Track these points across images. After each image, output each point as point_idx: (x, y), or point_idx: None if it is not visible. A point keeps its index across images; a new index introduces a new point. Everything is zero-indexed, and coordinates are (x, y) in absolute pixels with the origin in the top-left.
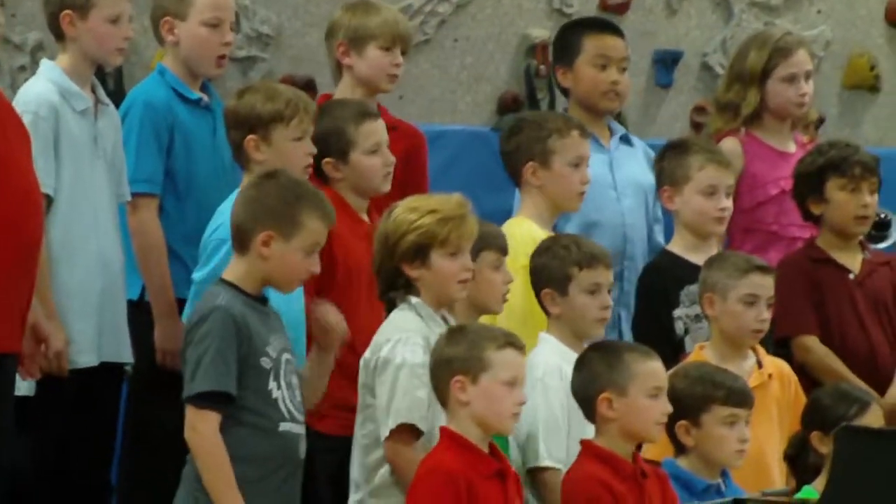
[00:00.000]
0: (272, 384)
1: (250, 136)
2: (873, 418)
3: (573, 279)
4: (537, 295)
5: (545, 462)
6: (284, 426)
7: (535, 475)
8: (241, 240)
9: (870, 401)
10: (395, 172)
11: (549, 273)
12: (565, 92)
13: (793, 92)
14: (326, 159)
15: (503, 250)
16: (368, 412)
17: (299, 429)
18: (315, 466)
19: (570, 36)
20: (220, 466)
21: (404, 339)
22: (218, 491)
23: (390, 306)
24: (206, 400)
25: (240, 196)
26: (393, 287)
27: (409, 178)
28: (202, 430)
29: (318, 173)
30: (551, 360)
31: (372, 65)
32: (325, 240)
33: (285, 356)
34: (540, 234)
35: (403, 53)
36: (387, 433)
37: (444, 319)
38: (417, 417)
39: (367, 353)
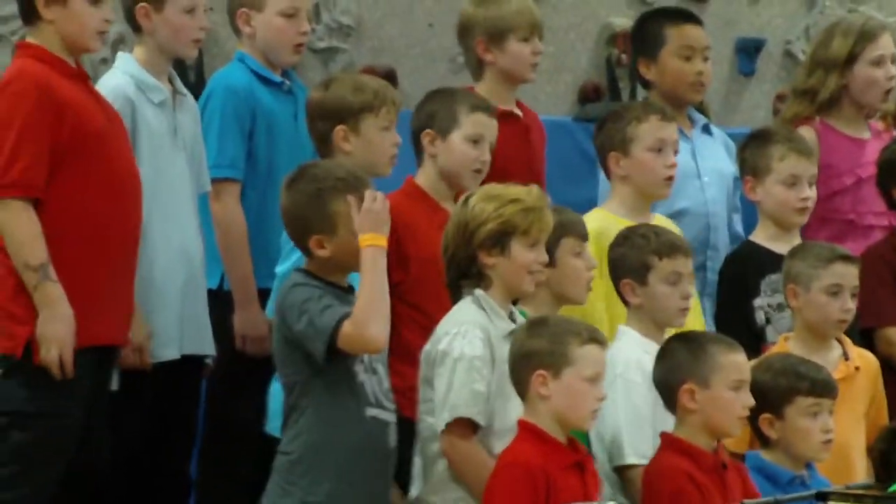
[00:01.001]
0: (358, 367)
1: (340, 127)
2: None
3: (653, 268)
4: (616, 285)
5: (631, 459)
6: (371, 411)
7: (623, 473)
8: (301, 248)
9: None
10: (512, 158)
11: (628, 263)
12: (646, 84)
13: (881, 74)
14: (427, 131)
15: (583, 236)
16: (428, 405)
17: (387, 416)
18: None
19: (652, 27)
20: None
21: (463, 331)
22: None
23: (457, 296)
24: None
25: (281, 206)
26: (465, 275)
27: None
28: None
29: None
30: (631, 355)
31: (515, 57)
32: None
33: None
34: (615, 223)
35: (540, 39)
36: (443, 426)
37: (511, 316)
38: (475, 412)
39: (427, 346)
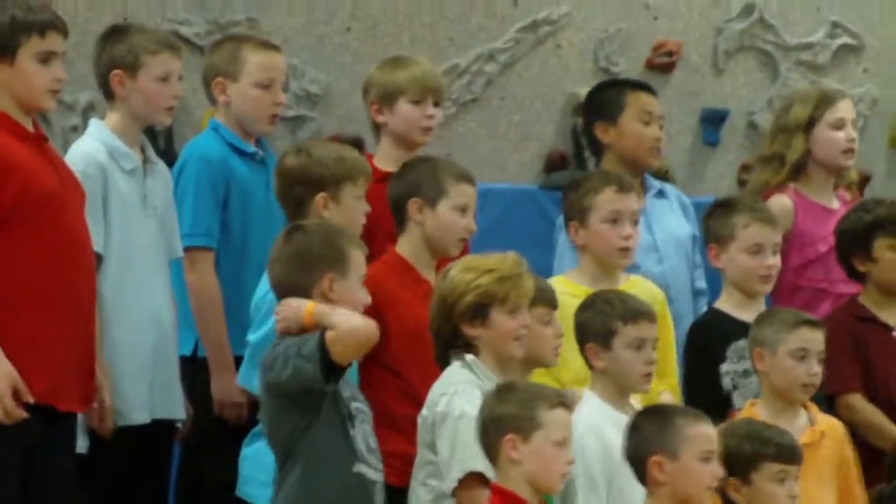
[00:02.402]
0: (348, 422)
1: (321, 195)
2: None
3: (617, 334)
4: (582, 349)
5: None
6: (359, 467)
7: None
8: (300, 295)
9: None
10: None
11: (593, 327)
12: (598, 149)
13: (842, 136)
14: (414, 199)
15: (553, 304)
16: (430, 468)
17: (375, 475)
18: None
19: (611, 93)
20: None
21: (460, 390)
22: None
23: (446, 367)
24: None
25: (278, 257)
26: (451, 347)
27: None
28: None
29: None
30: (590, 419)
31: (404, 119)
32: (365, 268)
33: (355, 404)
34: (575, 290)
35: (436, 105)
36: (454, 484)
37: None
38: (483, 465)
39: (423, 411)
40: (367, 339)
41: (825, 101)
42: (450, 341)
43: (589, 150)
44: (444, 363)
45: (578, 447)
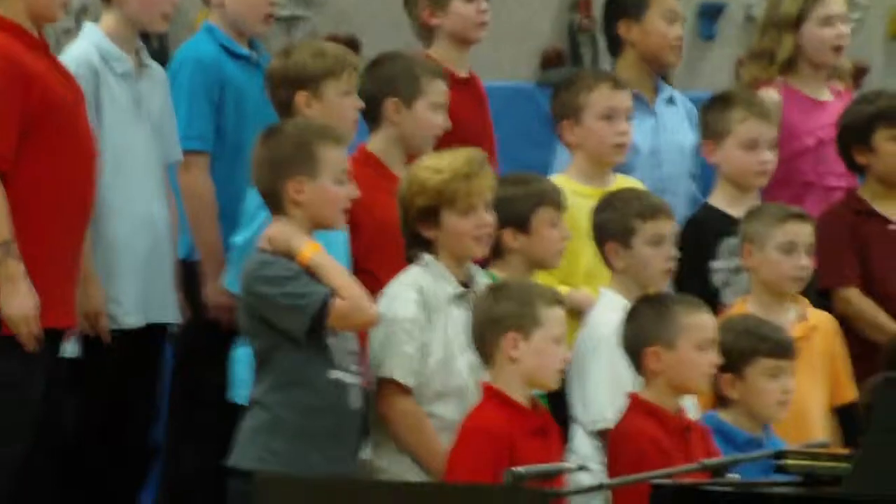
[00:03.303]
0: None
1: (301, 93)
2: None
3: (636, 231)
4: (601, 249)
5: (613, 424)
6: (334, 374)
7: (605, 436)
8: (273, 201)
9: None
10: (470, 125)
11: (612, 226)
12: (618, 46)
13: (830, 34)
14: (391, 100)
15: (560, 206)
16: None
17: (351, 378)
18: None
19: None
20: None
21: (397, 293)
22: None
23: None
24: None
25: (254, 161)
26: (412, 246)
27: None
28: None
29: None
30: (615, 319)
31: (461, 18)
32: (346, 163)
33: None
34: (580, 189)
35: None
36: (374, 388)
37: (465, 282)
38: (402, 373)
39: None
40: (369, 323)
41: None
42: (411, 241)
43: (608, 47)
44: (409, 262)
45: (606, 347)
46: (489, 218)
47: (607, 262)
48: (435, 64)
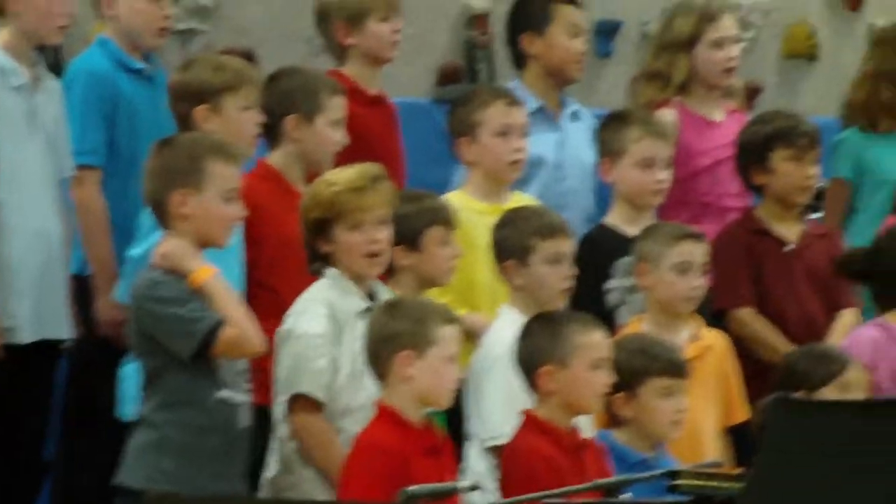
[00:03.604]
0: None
1: (200, 107)
2: (855, 376)
3: (535, 249)
4: (499, 267)
5: (505, 440)
6: (222, 393)
7: (498, 453)
8: (160, 212)
9: (847, 360)
10: (382, 143)
11: (511, 244)
12: (522, 61)
13: (721, 56)
14: (291, 116)
15: (451, 224)
16: (278, 385)
17: (240, 398)
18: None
19: (540, 4)
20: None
21: (306, 309)
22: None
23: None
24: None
25: (145, 172)
26: (314, 260)
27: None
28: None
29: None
30: (512, 337)
31: (375, 38)
32: (238, 183)
33: None
34: (476, 206)
35: (398, 17)
36: (286, 405)
37: (370, 295)
38: (314, 388)
39: (280, 326)
40: (254, 354)
41: (706, 18)
42: (311, 254)
43: (512, 61)
44: (313, 275)
45: (502, 364)
46: (380, 235)
47: (505, 280)
48: (332, 79)
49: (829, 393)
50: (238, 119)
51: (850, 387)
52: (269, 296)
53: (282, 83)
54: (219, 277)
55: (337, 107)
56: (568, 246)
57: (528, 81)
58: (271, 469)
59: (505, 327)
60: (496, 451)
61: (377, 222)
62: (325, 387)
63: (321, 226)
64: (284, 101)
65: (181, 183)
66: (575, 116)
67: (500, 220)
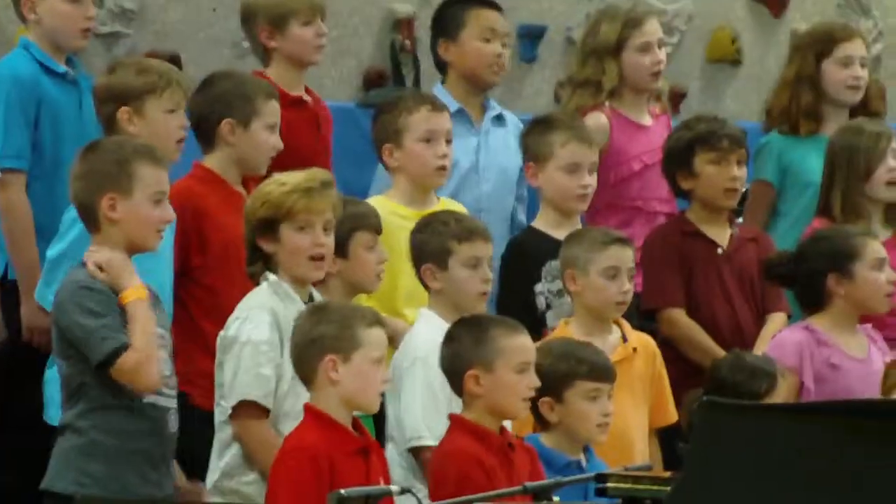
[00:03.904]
0: None
1: (123, 109)
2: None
3: (452, 253)
4: (418, 271)
5: (427, 441)
6: (149, 398)
7: (420, 455)
8: (88, 216)
9: (776, 372)
10: (303, 145)
11: (429, 248)
12: (443, 66)
13: (648, 61)
14: (227, 120)
15: (377, 230)
16: (221, 390)
17: (167, 402)
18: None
19: (454, 10)
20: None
21: (250, 316)
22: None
23: (256, 282)
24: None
25: (72, 175)
26: (254, 261)
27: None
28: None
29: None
30: (432, 338)
31: (299, 42)
32: (167, 186)
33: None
34: (401, 211)
35: (322, 21)
36: (230, 411)
37: (311, 297)
38: (260, 395)
39: (222, 331)
40: (147, 389)
41: (631, 23)
42: (252, 256)
43: (437, 67)
44: (251, 277)
45: (422, 366)
46: (326, 239)
47: (424, 284)
48: (267, 83)
49: None
50: (162, 122)
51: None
52: (209, 296)
53: (216, 87)
54: (145, 304)
55: (272, 111)
56: (486, 250)
57: (449, 86)
58: (214, 473)
59: (424, 330)
60: (416, 452)
61: (323, 226)
62: (270, 394)
63: (267, 225)
64: (219, 105)
65: (110, 187)
66: (498, 120)
67: (419, 224)
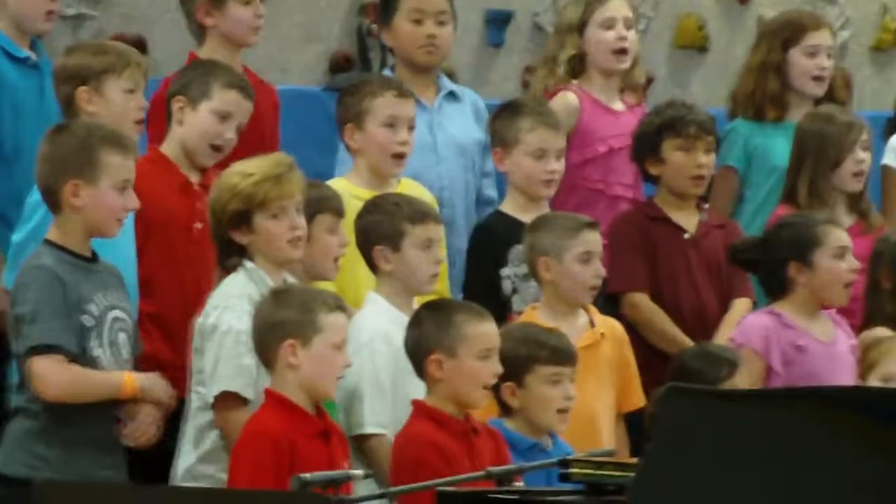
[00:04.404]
0: (93, 342)
1: (82, 88)
2: (744, 378)
3: (406, 235)
4: (368, 253)
5: (369, 429)
6: None
7: (362, 442)
8: (52, 200)
9: (738, 361)
10: (247, 130)
11: (381, 230)
12: (388, 54)
13: (611, 36)
14: (178, 97)
15: (339, 213)
16: (199, 377)
17: None
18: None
19: None
20: (88, 383)
21: (231, 305)
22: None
23: (228, 273)
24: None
25: (38, 157)
26: (228, 254)
27: (266, 137)
28: (61, 379)
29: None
30: (378, 324)
31: (235, 21)
32: (133, 174)
33: (113, 313)
34: (361, 193)
35: (262, 2)
36: (212, 400)
37: (284, 283)
38: (241, 385)
39: (199, 318)
40: (38, 392)
41: (596, 1)
42: (226, 248)
43: (390, 53)
44: (224, 269)
45: (368, 352)
46: (301, 220)
47: (372, 266)
48: (237, 76)
49: None
50: (120, 101)
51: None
52: (170, 279)
53: (181, 71)
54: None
55: (225, 99)
56: (438, 231)
57: (397, 71)
58: (187, 457)
59: (370, 315)
60: (360, 440)
61: (296, 209)
62: (250, 384)
63: (240, 217)
64: (176, 86)
65: (74, 173)
66: (452, 97)
67: (366, 206)
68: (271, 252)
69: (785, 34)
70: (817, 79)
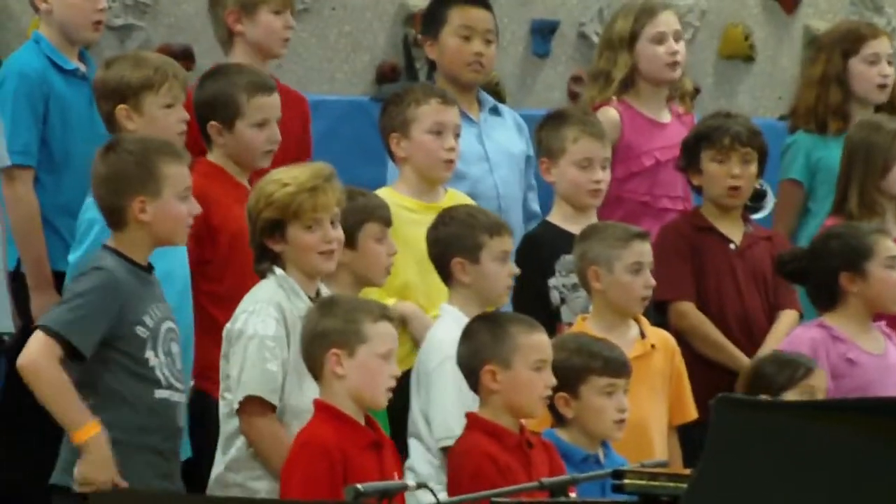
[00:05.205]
0: (149, 352)
1: (121, 106)
2: (818, 381)
3: (484, 247)
4: (445, 265)
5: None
6: (161, 394)
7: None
8: (116, 218)
9: (813, 366)
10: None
11: (459, 242)
12: (433, 64)
13: (662, 51)
14: (212, 122)
15: (386, 222)
16: (227, 383)
17: (178, 397)
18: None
19: (437, 7)
20: (61, 392)
21: (257, 310)
22: (62, 413)
23: (262, 278)
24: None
25: (94, 178)
26: (261, 260)
27: (293, 147)
28: (43, 360)
29: (203, 137)
30: (457, 335)
31: (265, 29)
32: (190, 181)
33: (166, 325)
34: (407, 203)
35: (293, 15)
36: (237, 406)
37: (317, 293)
38: (266, 390)
39: (228, 324)
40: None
41: (646, 13)
42: (260, 255)
43: (429, 66)
44: (259, 275)
45: (451, 367)
46: (335, 233)
47: (447, 278)
48: (255, 76)
49: (792, 396)
50: (159, 118)
51: (815, 392)
52: (221, 289)
53: (199, 87)
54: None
55: (257, 108)
56: (511, 244)
57: (439, 84)
58: (218, 466)
59: (449, 326)
60: (446, 451)
61: (331, 220)
62: (276, 390)
63: (274, 225)
64: (203, 107)
65: (138, 190)
66: (495, 112)
67: (442, 217)
68: (302, 263)
69: (844, 45)
70: (880, 86)
